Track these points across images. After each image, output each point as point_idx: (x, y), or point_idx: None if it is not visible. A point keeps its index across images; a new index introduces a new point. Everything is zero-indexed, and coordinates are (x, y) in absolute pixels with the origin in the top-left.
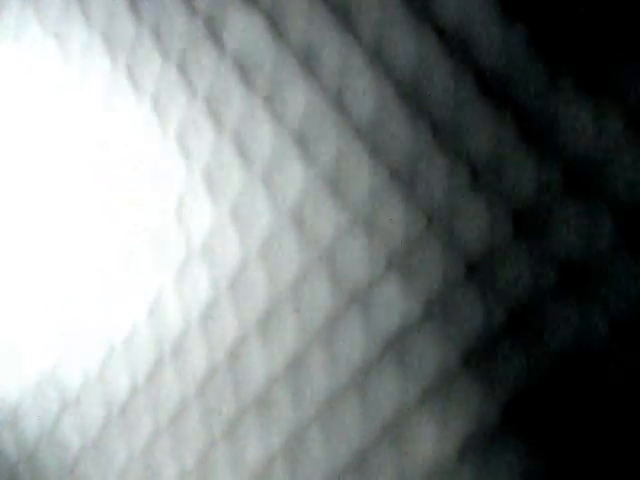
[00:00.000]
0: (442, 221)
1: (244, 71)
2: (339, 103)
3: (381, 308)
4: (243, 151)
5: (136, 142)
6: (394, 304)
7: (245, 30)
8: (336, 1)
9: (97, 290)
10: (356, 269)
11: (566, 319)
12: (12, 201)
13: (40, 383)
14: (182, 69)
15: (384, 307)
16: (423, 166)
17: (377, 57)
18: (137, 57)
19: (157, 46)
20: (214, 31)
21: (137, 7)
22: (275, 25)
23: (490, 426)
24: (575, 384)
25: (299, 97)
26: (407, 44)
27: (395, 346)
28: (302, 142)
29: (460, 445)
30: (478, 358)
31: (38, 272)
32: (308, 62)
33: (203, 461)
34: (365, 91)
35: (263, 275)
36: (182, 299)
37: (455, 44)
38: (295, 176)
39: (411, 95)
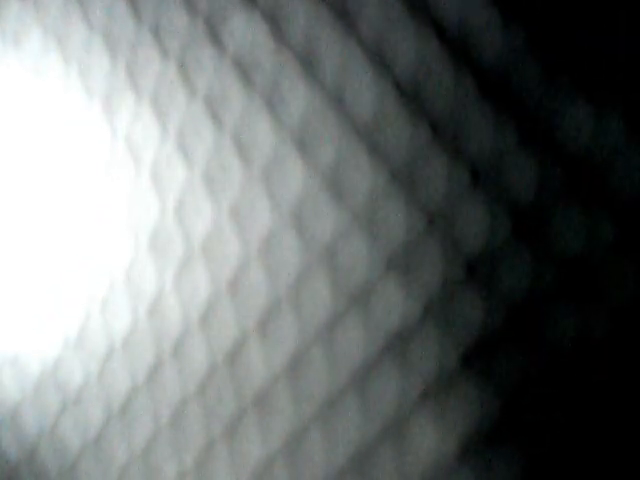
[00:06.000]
0: (442, 221)
1: (244, 71)
2: (339, 103)
3: (381, 308)
4: (243, 151)
5: (136, 142)
6: (394, 304)
7: (245, 30)
8: (336, 1)
9: (97, 290)
10: (356, 269)
11: (565, 319)
12: (12, 202)
13: (40, 383)
14: (182, 69)
15: (384, 307)
16: (423, 166)
17: (377, 57)
18: (137, 57)
19: (157, 46)
20: (214, 31)
21: (137, 7)
22: (275, 25)
23: (490, 426)
24: (575, 383)
25: (299, 97)
26: (407, 44)
27: (395, 346)
28: (302, 142)
29: (460, 445)
30: (478, 358)
31: (38, 273)
32: (308, 62)
33: (203, 461)
34: (365, 91)
35: (263, 275)
36: (182, 299)
37: (455, 44)
38: (295, 176)
39: (411, 95)
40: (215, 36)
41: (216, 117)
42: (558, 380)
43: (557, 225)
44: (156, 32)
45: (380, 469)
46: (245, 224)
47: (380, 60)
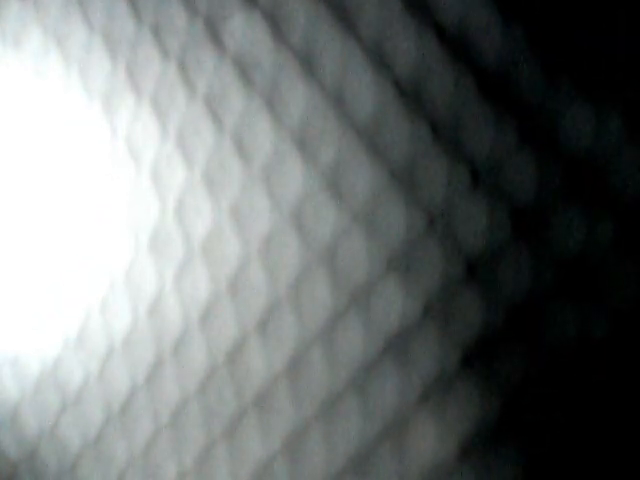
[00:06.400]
0: (442, 221)
1: (244, 71)
2: (339, 103)
3: (381, 308)
4: (243, 151)
5: (136, 142)
6: (394, 304)
7: (245, 30)
8: (336, 1)
9: (97, 290)
10: (356, 269)
11: (565, 319)
12: (12, 202)
13: (40, 383)
14: (182, 69)
15: (384, 307)
16: (423, 166)
17: (377, 57)
18: (137, 57)
19: (157, 46)
20: (214, 31)
21: (137, 7)
22: (275, 25)
23: (490, 426)
24: (574, 383)
25: (299, 97)
26: (407, 44)
27: (395, 346)
28: (302, 142)
29: (460, 445)
30: (478, 358)
31: (38, 273)
32: (308, 62)
33: (203, 461)
34: (365, 91)
35: (263, 275)
36: (182, 299)
37: (455, 44)
38: (295, 176)
39: (411, 95)
40: (215, 36)
41: (216, 117)
42: (558, 380)
43: (557, 225)
44: (156, 32)
45: (380, 469)
46: (245, 224)
47: (380, 60)
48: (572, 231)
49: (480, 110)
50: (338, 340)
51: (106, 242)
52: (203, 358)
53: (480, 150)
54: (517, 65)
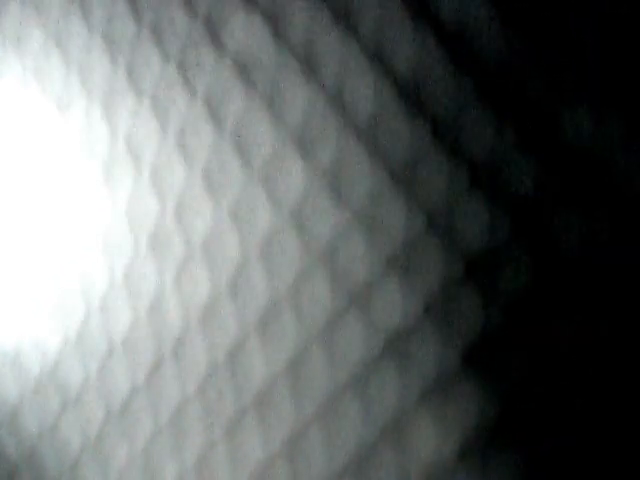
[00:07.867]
0: (442, 221)
1: (244, 71)
2: (339, 103)
3: (381, 308)
4: (243, 151)
5: (136, 142)
6: (394, 304)
7: (245, 30)
8: (336, 1)
9: (97, 290)
10: (356, 269)
11: (565, 319)
12: (13, 201)
13: (40, 383)
14: (182, 69)
15: (384, 307)
16: (423, 166)
17: (377, 57)
18: (137, 57)
19: (157, 46)
20: (214, 31)
21: (137, 7)
22: (275, 25)
23: (490, 426)
24: (575, 383)
25: (299, 97)
26: (407, 44)
27: (395, 346)
28: (302, 142)
29: (460, 445)
30: (478, 358)
31: (38, 272)
32: (308, 62)
33: (203, 461)
34: (365, 91)
35: (263, 275)
36: (182, 299)
37: (455, 44)
38: (295, 176)
39: (411, 95)
40: (215, 36)
41: (216, 117)
42: (558, 380)
43: (557, 225)
44: (156, 32)
45: (380, 469)
46: (245, 224)
47: (380, 60)
48: (572, 231)
49: (480, 110)
50: (338, 340)
51: (105, 242)
52: (203, 358)
53: (480, 150)
54: (517, 65)
